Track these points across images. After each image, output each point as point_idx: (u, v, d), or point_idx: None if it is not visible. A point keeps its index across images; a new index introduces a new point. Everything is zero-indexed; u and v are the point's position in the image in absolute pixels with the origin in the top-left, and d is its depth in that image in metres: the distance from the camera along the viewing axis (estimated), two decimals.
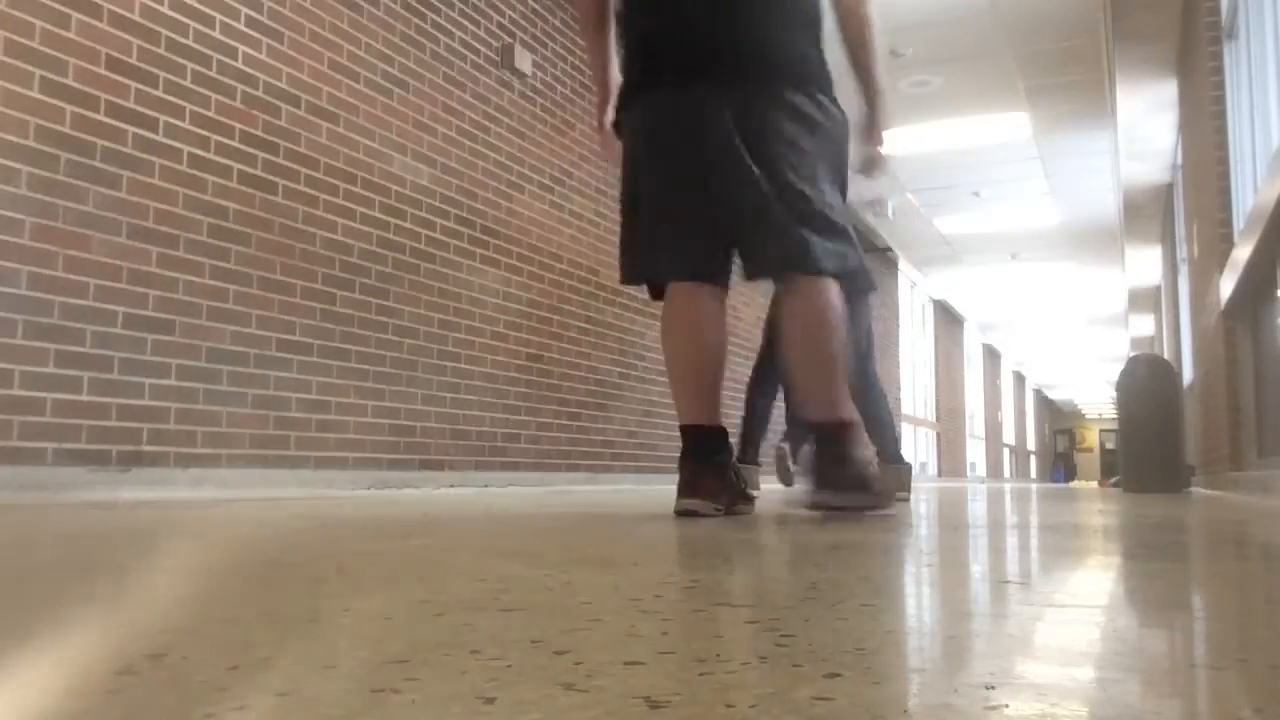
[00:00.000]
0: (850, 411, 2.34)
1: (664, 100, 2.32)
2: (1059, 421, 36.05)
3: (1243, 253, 4.17)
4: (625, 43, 2.45)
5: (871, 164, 2.58)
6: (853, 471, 2.30)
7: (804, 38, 2.33)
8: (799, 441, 5.15)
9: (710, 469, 2.33)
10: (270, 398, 3.75)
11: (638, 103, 2.38)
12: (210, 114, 3.59)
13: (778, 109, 2.26)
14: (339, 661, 0.57)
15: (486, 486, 4.84)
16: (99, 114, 3.21)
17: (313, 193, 4.01)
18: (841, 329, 2.31)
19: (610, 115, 2.54)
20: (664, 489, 5.90)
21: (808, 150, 2.27)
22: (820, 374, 2.30)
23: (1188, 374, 8.57)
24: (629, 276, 2.45)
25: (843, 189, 2.37)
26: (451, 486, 4.61)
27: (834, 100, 2.36)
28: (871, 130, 2.53)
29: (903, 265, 13.34)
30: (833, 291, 2.28)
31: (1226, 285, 4.78)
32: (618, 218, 2.47)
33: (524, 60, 5.41)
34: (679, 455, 2.37)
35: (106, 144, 3.22)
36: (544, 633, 0.66)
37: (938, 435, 15.79)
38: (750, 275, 2.37)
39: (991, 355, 21.77)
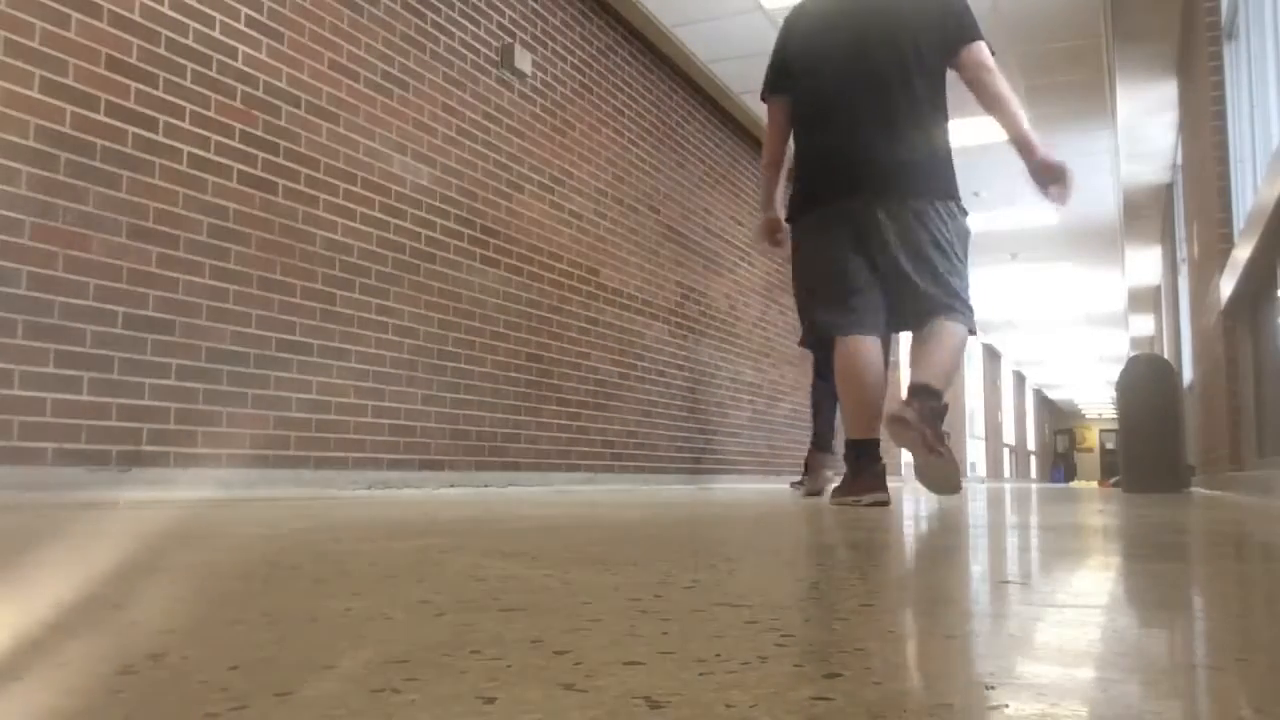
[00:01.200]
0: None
1: (836, 209, 3.15)
2: (1059, 421, 36.04)
3: (1243, 253, 4.17)
4: (800, 159, 3.28)
5: (1062, 193, 3.13)
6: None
7: (941, 160, 3.15)
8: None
9: (878, 469, 3.13)
10: (270, 398, 3.75)
11: (814, 210, 3.21)
12: (210, 114, 3.59)
13: (925, 220, 3.09)
14: (339, 661, 0.57)
15: (486, 486, 4.84)
16: (99, 114, 3.21)
17: (313, 193, 4.01)
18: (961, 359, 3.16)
19: (775, 214, 3.49)
20: (664, 489, 5.90)
21: (945, 247, 3.11)
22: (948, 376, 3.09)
23: (1188, 374, 8.56)
24: (813, 336, 3.27)
25: (966, 266, 3.19)
26: (451, 486, 4.61)
27: (960, 204, 3.20)
28: (1048, 169, 3.11)
29: None
30: (963, 333, 3.13)
31: (1226, 285, 4.78)
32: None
33: (524, 60, 5.40)
34: (851, 459, 3.14)
35: (106, 144, 3.22)
36: (544, 633, 0.66)
37: None
38: (898, 329, 3.24)
39: (992, 355, 21.76)
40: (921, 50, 3.14)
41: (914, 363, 3.07)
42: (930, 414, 2.95)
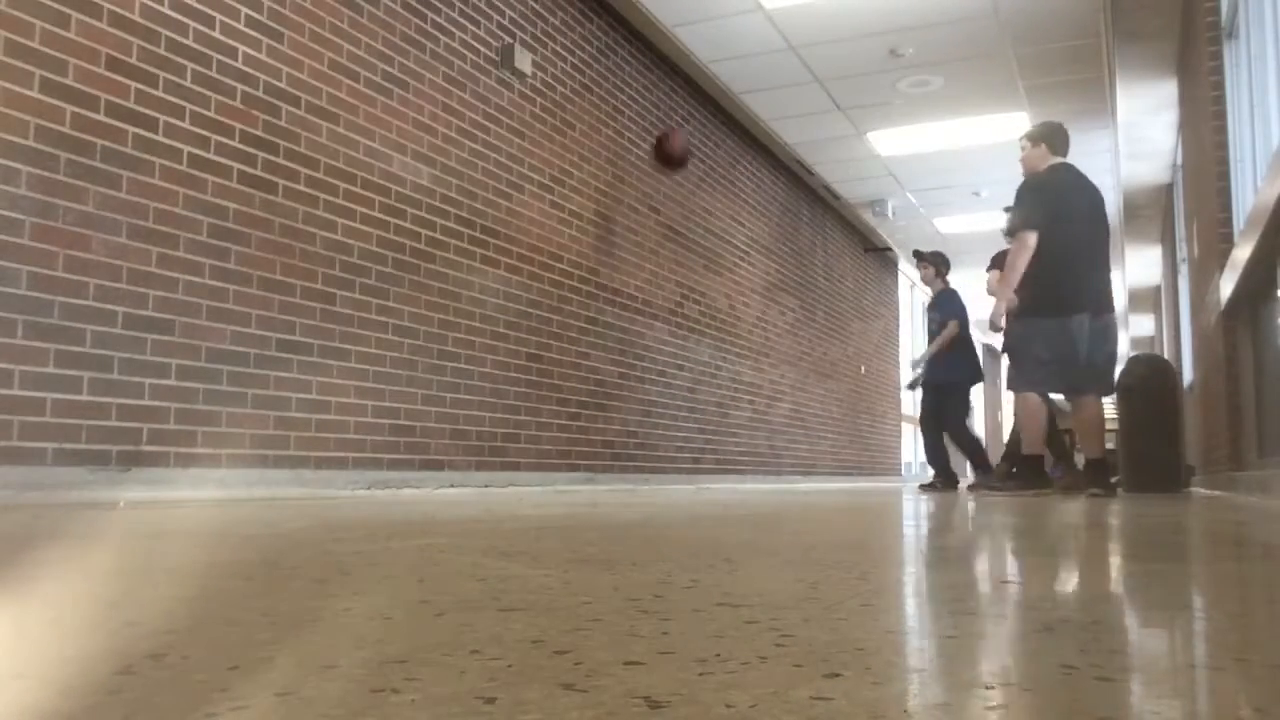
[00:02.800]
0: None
1: (1067, 319, 4.90)
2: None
3: (1243, 253, 4.17)
4: (1043, 270, 4.91)
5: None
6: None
7: (1110, 289, 5.13)
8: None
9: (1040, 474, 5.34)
10: (270, 398, 3.75)
11: (1055, 318, 4.93)
12: (210, 114, 3.59)
13: (1109, 324, 5.00)
14: (339, 661, 0.57)
15: (486, 486, 4.84)
16: (99, 114, 3.21)
17: (313, 193, 4.01)
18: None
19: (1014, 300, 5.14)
20: (664, 490, 5.90)
21: (1113, 339, 5.04)
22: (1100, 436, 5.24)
23: (1188, 374, 8.57)
24: (1037, 390, 5.27)
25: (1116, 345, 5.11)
26: (451, 486, 4.61)
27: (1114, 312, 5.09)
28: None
29: (903, 265, 13.34)
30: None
31: (1226, 285, 4.78)
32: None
33: (524, 60, 5.40)
34: (1028, 469, 5.32)
35: (106, 144, 3.22)
36: (544, 633, 0.66)
37: None
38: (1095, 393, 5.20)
39: (992, 355, 21.77)
40: (1105, 219, 5.21)
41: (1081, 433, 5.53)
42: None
